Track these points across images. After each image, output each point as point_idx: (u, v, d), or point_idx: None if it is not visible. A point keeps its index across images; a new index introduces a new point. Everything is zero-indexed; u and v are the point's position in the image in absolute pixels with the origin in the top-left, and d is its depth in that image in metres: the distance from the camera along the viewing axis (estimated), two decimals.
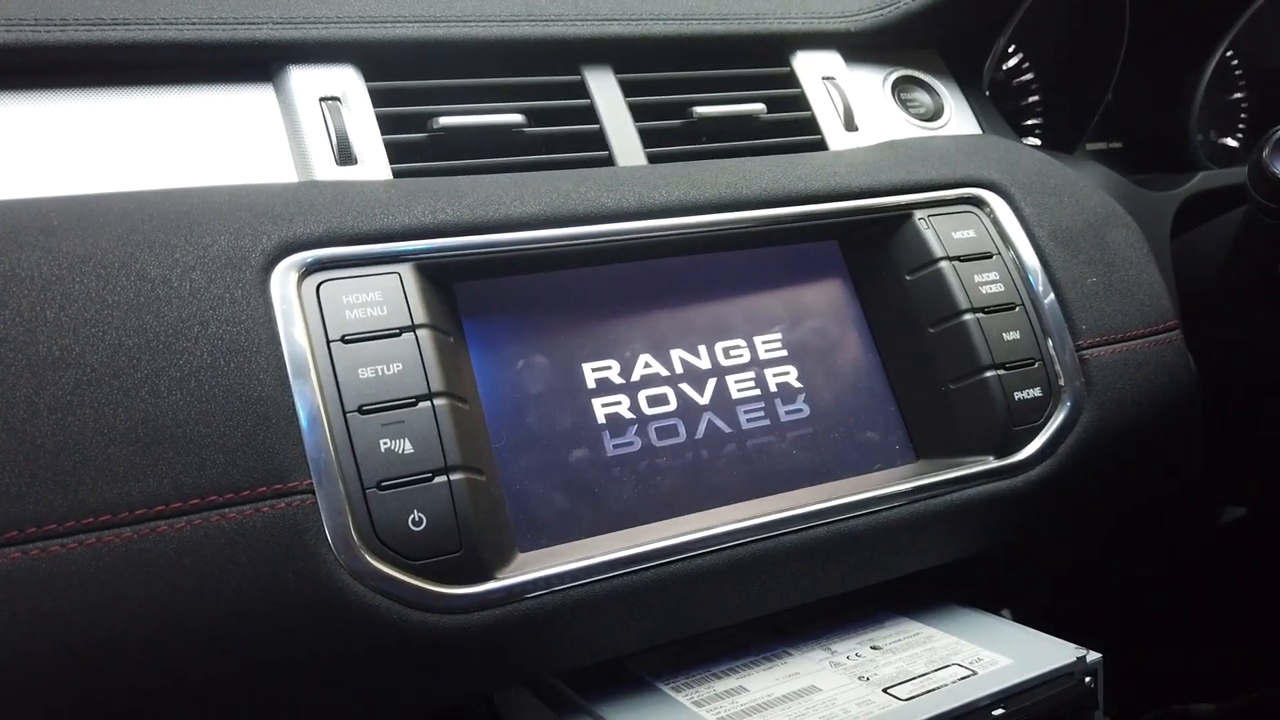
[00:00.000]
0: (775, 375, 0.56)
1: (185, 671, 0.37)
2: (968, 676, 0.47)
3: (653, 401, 0.52)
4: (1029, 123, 0.89)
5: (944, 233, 0.58)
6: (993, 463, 0.54)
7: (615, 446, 0.51)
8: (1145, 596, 1.11)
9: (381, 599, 0.40)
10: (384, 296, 0.44)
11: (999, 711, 0.45)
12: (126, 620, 0.36)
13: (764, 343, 0.56)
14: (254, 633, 0.38)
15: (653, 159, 0.59)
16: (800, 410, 0.55)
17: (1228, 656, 1.13)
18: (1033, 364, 0.56)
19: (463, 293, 0.50)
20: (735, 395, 0.54)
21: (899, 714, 0.44)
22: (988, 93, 0.79)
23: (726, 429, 0.53)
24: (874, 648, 0.51)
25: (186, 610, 0.37)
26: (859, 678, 0.48)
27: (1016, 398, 0.55)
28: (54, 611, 0.35)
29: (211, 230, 0.43)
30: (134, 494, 0.37)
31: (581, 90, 0.59)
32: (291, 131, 0.52)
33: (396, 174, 0.52)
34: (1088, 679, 0.48)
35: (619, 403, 0.52)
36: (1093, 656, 0.49)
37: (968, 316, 0.56)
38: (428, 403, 0.43)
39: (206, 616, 0.37)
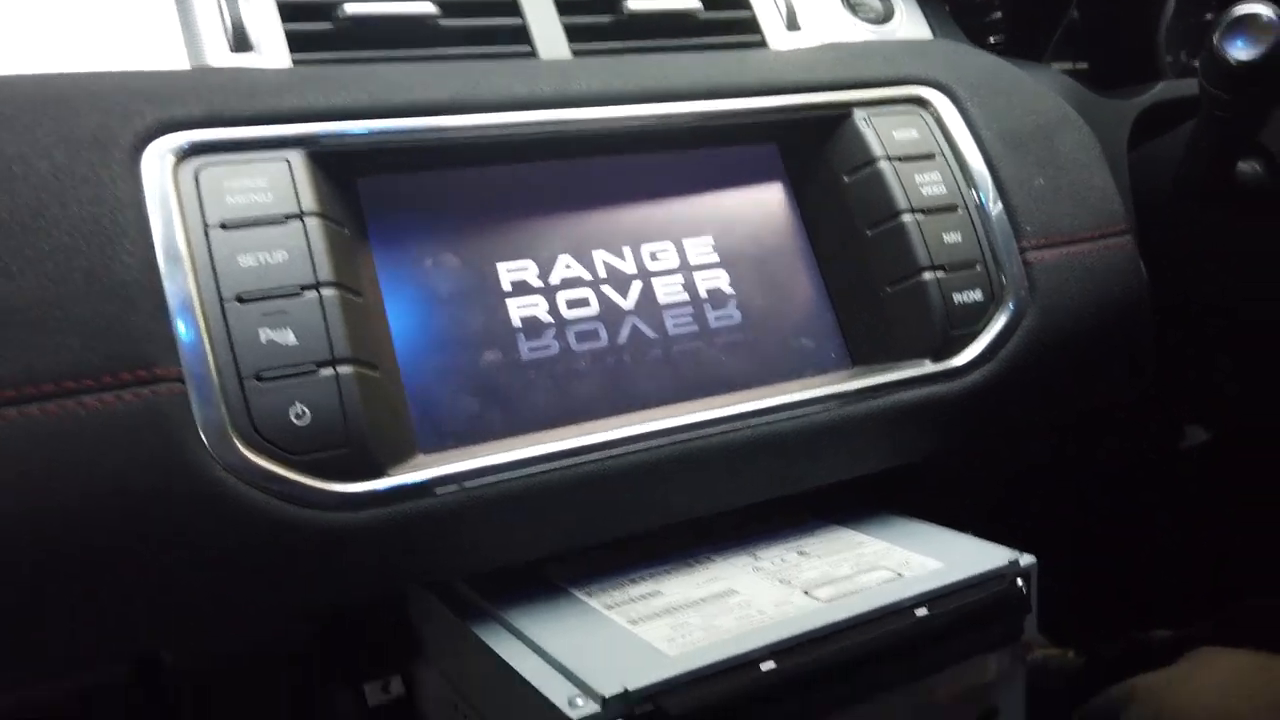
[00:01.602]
0: (705, 280, 0.53)
1: (43, 565, 0.35)
2: (893, 579, 0.45)
3: (572, 304, 0.50)
4: (991, 40, 0.86)
5: (884, 132, 0.56)
6: (929, 367, 0.52)
7: (531, 350, 0.48)
8: (1105, 524, 1.10)
9: (259, 494, 0.37)
10: (269, 183, 0.42)
11: (922, 612, 0.43)
12: None
13: (694, 246, 0.54)
14: (122, 527, 0.36)
15: (578, 54, 0.56)
16: (731, 316, 0.53)
17: (1189, 584, 1.12)
18: (973, 266, 0.54)
19: (367, 189, 0.47)
20: (662, 300, 0.52)
21: (817, 614, 0.42)
22: (947, 7, 0.76)
23: (651, 334, 0.51)
24: (801, 554, 0.50)
25: (40, 504, 0.35)
26: (780, 581, 0.46)
27: (955, 300, 0.53)
28: None
29: (81, 110, 0.40)
30: None
31: None
32: (184, 17, 0.49)
33: (296, 62, 0.49)
34: (1019, 581, 0.46)
35: (535, 305, 0.49)
36: (1026, 559, 0.47)
37: (906, 217, 0.54)
38: (314, 293, 0.40)
39: (69, 507, 0.35)
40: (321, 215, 0.42)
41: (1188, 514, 1.05)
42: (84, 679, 0.40)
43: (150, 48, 0.48)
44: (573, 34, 0.57)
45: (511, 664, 0.41)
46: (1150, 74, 0.86)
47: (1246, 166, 0.60)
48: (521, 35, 0.55)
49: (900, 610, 0.43)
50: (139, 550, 0.36)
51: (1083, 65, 0.94)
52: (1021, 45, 0.85)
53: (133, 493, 0.36)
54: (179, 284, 0.38)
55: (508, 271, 0.49)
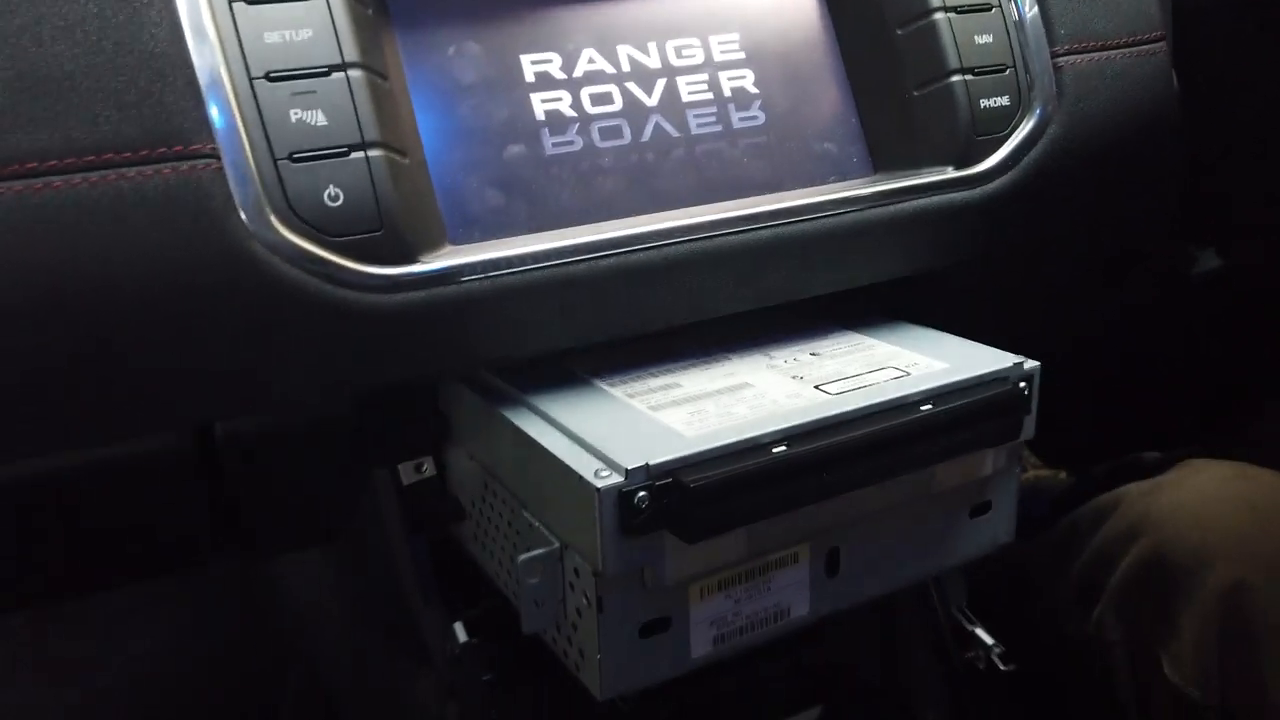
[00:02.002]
0: (730, 79, 0.53)
1: (88, 334, 0.37)
2: (901, 377, 0.47)
3: (596, 100, 0.50)
4: None
5: None
6: (952, 173, 0.53)
7: (554, 145, 0.48)
8: (1109, 346, 1.12)
9: (298, 272, 0.39)
10: None
11: (926, 407, 0.45)
12: (24, 279, 0.35)
13: (720, 43, 0.53)
14: (162, 296, 0.37)
15: None
16: (755, 117, 0.53)
17: (1187, 410, 1.15)
18: (1004, 70, 0.53)
19: None
20: (686, 98, 0.51)
21: (825, 405, 0.44)
22: None
23: (675, 133, 0.51)
24: (813, 354, 0.51)
25: (88, 270, 0.36)
26: (793, 377, 0.48)
27: (982, 105, 0.53)
28: None
29: None
30: (23, 146, 0.35)
31: None
32: None
33: None
34: (1022, 384, 0.48)
35: (559, 99, 0.49)
36: (1030, 364, 0.49)
37: (939, 15, 0.52)
38: (341, 74, 0.40)
39: (111, 278, 0.36)
40: None
41: (1194, 341, 1.07)
42: (142, 444, 0.42)
43: None
44: None
45: (541, 441, 0.43)
46: None
47: None
48: None
49: (905, 405, 0.45)
50: (182, 320, 0.38)
51: None
52: None
53: (178, 267, 0.37)
54: (208, 59, 0.38)
55: (531, 64, 0.49)
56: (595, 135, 0.49)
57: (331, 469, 0.50)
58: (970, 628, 0.61)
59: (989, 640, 0.60)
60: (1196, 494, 0.62)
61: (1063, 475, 1.19)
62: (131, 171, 0.36)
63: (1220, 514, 0.60)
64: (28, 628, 0.75)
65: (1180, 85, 0.62)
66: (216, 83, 0.38)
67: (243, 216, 0.38)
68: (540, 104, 0.48)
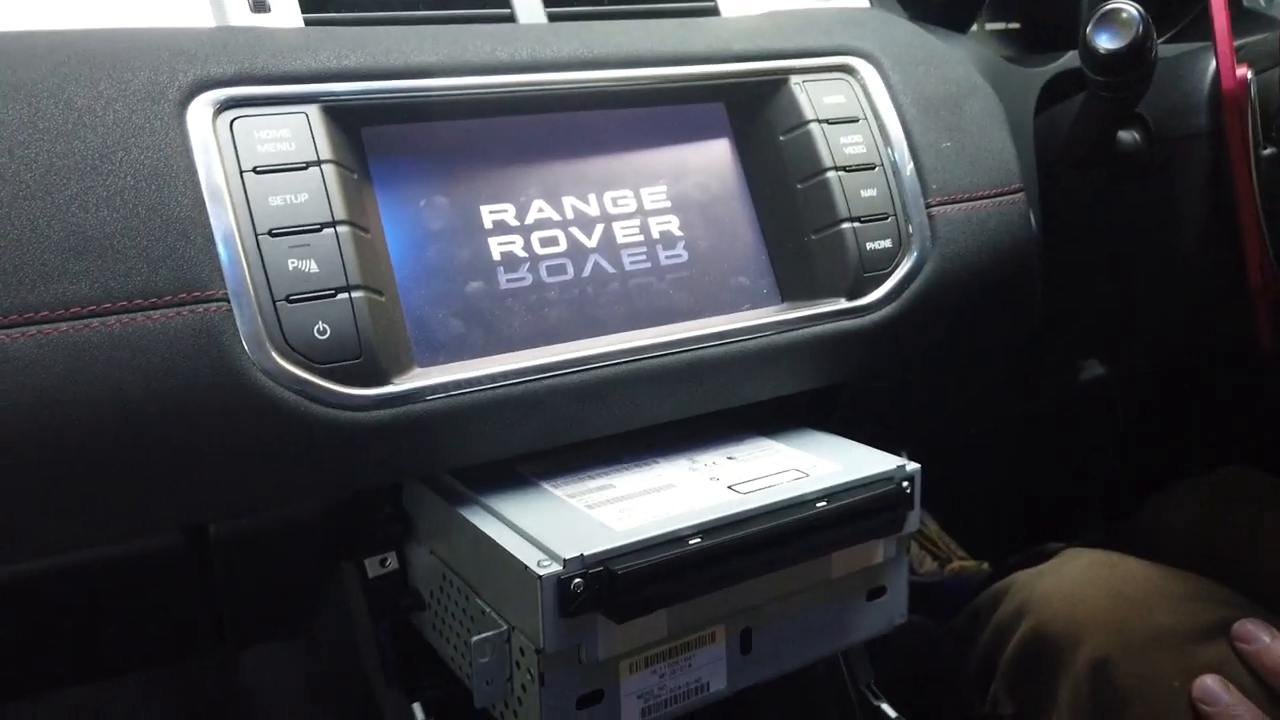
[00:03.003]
0: (658, 223, 0.62)
1: (118, 448, 0.44)
2: (801, 478, 0.56)
3: (544, 242, 0.58)
4: (927, 1, 0.94)
5: (816, 97, 0.64)
6: (844, 304, 0.62)
7: (508, 281, 0.57)
8: (1017, 452, 1.22)
9: (290, 394, 0.46)
10: (292, 134, 0.49)
11: (822, 504, 0.53)
12: (64, 403, 0.42)
13: (650, 194, 0.62)
14: (178, 418, 0.44)
15: (552, 18, 0.64)
16: (679, 255, 0.62)
17: (1090, 505, 1.25)
18: (886, 218, 0.63)
19: (370, 137, 0.55)
20: (620, 240, 0.61)
21: (736, 503, 0.52)
22: None
23: (611, 269, 0.60)
24: (730, 458, 0.60)
25: (117, 395, 0.43)
26: (711, 479, 0.56)
27: (869, 247, 0.63)
28: (1, 393, 0.41)
29: (132, 66, 0.47)
30: (69, 294, 0.42)
31: None
32: None
33: (307, 23, 0.56)
34: (905, 484, 0.57)
35: (513, 242, 0.58)
36: (911, 466, 0.58)
37: (830, 174, 0.62)
38: (331, 229, 0.49)
39: (135, 402, 0.43)
40: (336, 162, 0.50)
41: (1090, 442, 1.18)
42: (143, 545, 0.49)
43: (178, 5, 0.55)
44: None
45: (491, 535, 0.50)
46: (1073, 39, 0.95)
47: (1126, 135, 0.70)
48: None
49: (803, 502, 0.53)
50: (193, 437, 0.45)
51: (1015, 25, 1.02)
52: (955, 8, 0.93)
53: (190, 391, 0.44)
54: (222, 220, 0.46)
55: (489, 213, 0.57)
56: (543, 272, 0.58)
57: (304, 564, 0.57)
58: (876, 703, 0.68)
59: (893, 715, 0.67)
60: (1070, 580, 0.71)
61: (985, 566, 1.28)
62: (156, 314, 0.44)
63: (1088, 596, 0.69)
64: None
65: (1040, 226, 0.74)
66: (229, 239, 0.46)
67: (246, 348, 0.46)
68: (496, 246, 0.57)
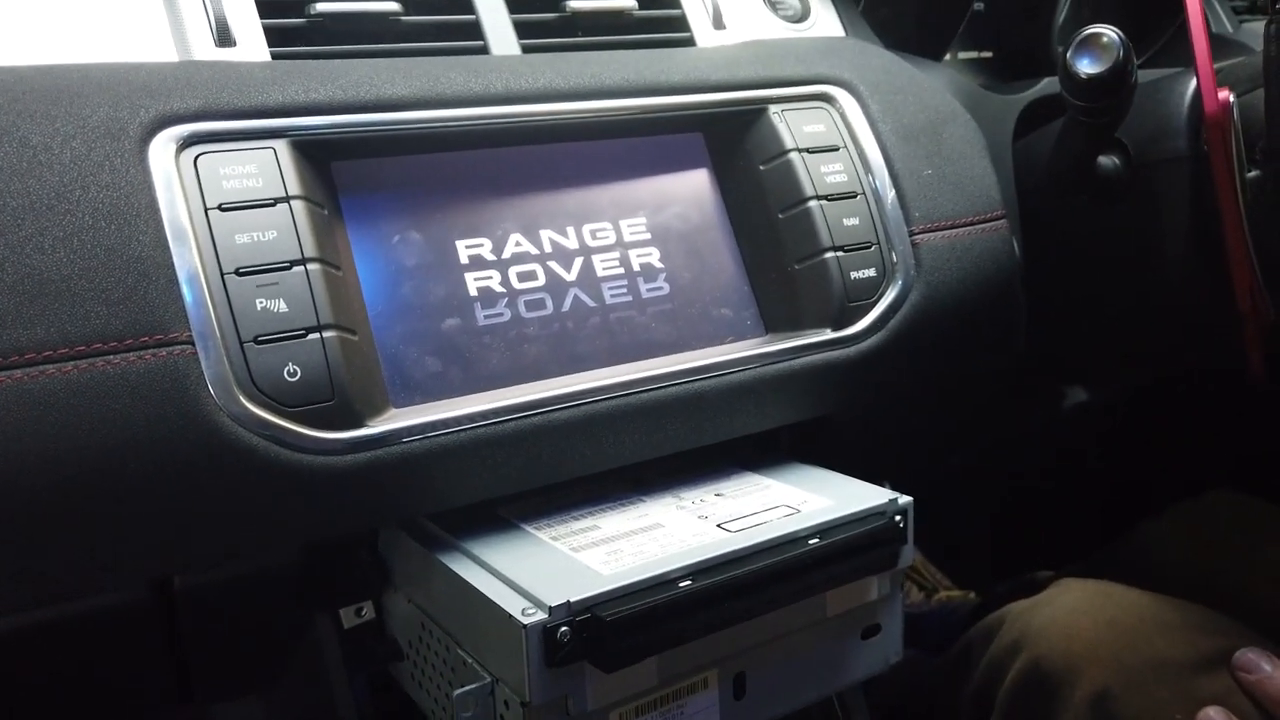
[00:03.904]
0: (638, 256, 0.61)
1: (76, 501, 0.41)
2: (792, 514, 0.54)
3: (522, 277, 0.57)
4: (901, 30, 0.94)
5: (795, 126, 0.64)
6: (830, 334, 0.61)
7: (486, 317, 0.55)
8: (1002, 478, 1.21)
9: (259, 440, 0.44)
10: (259, 169, 0.48)
11: (814, 541, 0.52)
12: (20, 455, 0.40)
13: (629, 226, 0.61)
14: (140, 467, 0.42)
15: (526, 50, 0.63)
16: (661, 288, 0.61)
17: (1074, 532, 1.25)
18: (869, 247, 0.62)
19: (340, 172, 0.53)
20: (600, 273, 0.59)
21: (726, 542, 0.50)
22: (860, 1, 0.84)
23: (591, 303, 0.58)
24: (718, 495, 0.58)
25: (76, 446, 0.41)
26: (699, 517, 0.54)
27: (853, 277, 0.61)
28: None
29: (91, 102, 0.46)
30: (23, 340, 0.40)
31: None
32: (171, 13, 0.54)
33: (274, 56, 0.55)
34: (898, 518, 0.55)
35: (490, 277, 0.56)
36: (904, 500, 0.56)
37: (812, 203, 0.62)
38: (301, 267, 0.47)
39: (95, 451, 0.41)
40: (305, 198, 0.48)
41: (1072, 468, 1.17)
42: (107, 599, 0.46)
43: (141, 41, 0.53)
44: (521, 30, 0.63)
45: (473, 584, 0.48)
46: (1044, 66, 0.95)
47: (1106, 160, 0.70)
48: (475, 31, 0.61)
49: (795, 540, 0.52)
50: (157, 487, 0.43)
51: (987, 54, 1.03)
52: (929, 37, 0.93)
53: (153, 438, 0.42)
54: (186, 259, 0.44)
55: (465, 247, 0.56)
56: (522, 307, 0.56)
57: (275, 616, 0.54)
58: None
59: None
60: (1066, 611, 0.70)
61: (972, 595, 1.26)
62: (116, 358, 0.42)
63: (1086, 628, 0.67)
64: None
65: (1021, 252, 0.73)
66: (193, 279, 0.44)
67: (212, 392, 0.44)
68: (473, 281, 0.55)
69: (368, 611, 0.56)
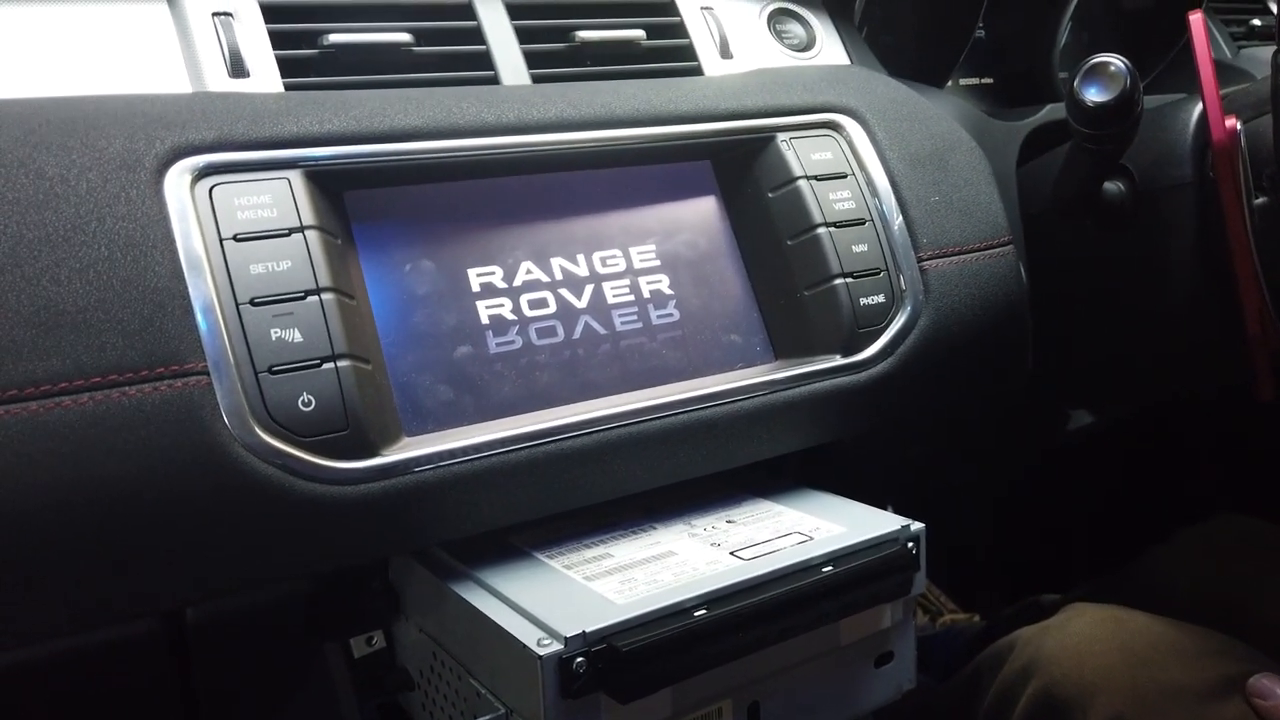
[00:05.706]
0: (648, 283, 0.61)
1: (91, 532, 0.41)
2: (805, 541, 0.54)
3: (533, 304, 0.57)
4: (904, 58, 0.95)
5: (803, 154, 0.64)
6: (839, 360, 0.61)
7: (497, 345, 0.55)
8: (1007, 501, 1.21)
9: (274, 470, 0.44)
10: (274, 200, 0.48)
11: (828, 569, 0.51)
12: (35, 486, 0.40)
13: (639, 253, 0.61)
14: (156, 498, 0.42)
15: (536, 80, 0.63)
16: (670, 314, 0.61)
17: (1078, 555, 1.24)
18: (878, 273, 0.63)
19: (353, 201, 0.53)
20: (611, 300, 0.59)
21: (740, 570, 0.50)
22: (864, 29, 0.85)
23: (602, 330, 0.58)
24: (729, 522, 0.58)
25: (91, 476, 0.41)
26: (711, 544, 0.54)
27: (862, 303, 0.62)
28: None
29: (106, 134, 0.46)
30: (39, 372, 0.40)
31: (469, 12, 0.63)
32: (185, 45, 0.55)
33: (288, 87, 0.55)
34: (910, 545, 0.55)
35: (501, 305, 0.56)
36: (916, 526, 0.56)
37: (821, 230, 0.62)
38: (315, 297, 0.47)
39: (111, 482, 0.41)
40: (319, 228, 0.49)
41: (1077, 491, 1.17)
42: (118, 629, 0.46)
43: (155, 72, 0.54)
44: (531, 60, 0.63)
45: (487, 613, 0.48)
46: (1045, 92, 0.96)
47: (1111, 186, 0.70)
48: (486, 61, 0.62)
49: (809, 567, 0.51)
50: (172, 517, 0.42)
51: (988, 80, 1.04)
52: (931, 64, 0.94)
53: (167, 469, 0.42)
54: (201, 290, 0.44)
55: (477, 276, 0.56)
56: (533, 335, 0.56)
57: (286, 646, 0.54)
58: None
59: None
60: (1078, 637, 0.69)
61: (976, 619, 1.26)
62: (132, 389, 0.42)
63: (1098, 654, 0.67)
64: None
65: (1034, 272, 0.73)
66: (208, 309, 0.44)
67: (227, 423, 0.43)
68: (484, 309, 0.55)
69: (378, 641, 0.56)
